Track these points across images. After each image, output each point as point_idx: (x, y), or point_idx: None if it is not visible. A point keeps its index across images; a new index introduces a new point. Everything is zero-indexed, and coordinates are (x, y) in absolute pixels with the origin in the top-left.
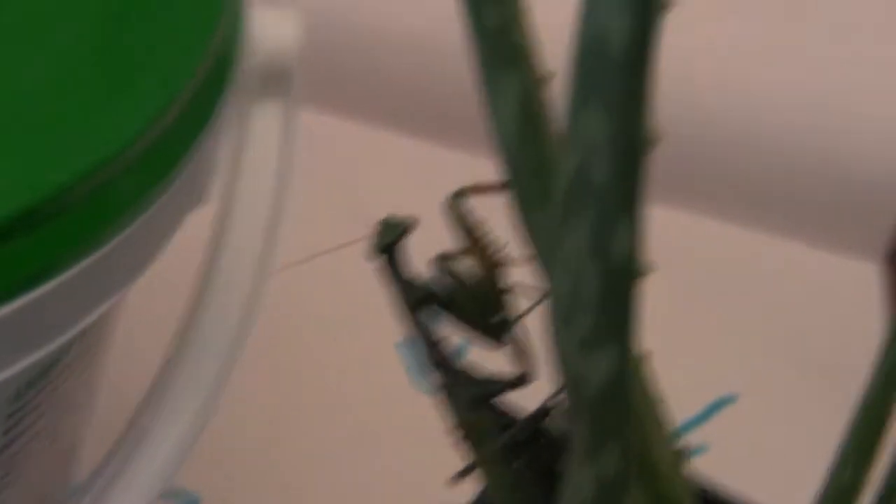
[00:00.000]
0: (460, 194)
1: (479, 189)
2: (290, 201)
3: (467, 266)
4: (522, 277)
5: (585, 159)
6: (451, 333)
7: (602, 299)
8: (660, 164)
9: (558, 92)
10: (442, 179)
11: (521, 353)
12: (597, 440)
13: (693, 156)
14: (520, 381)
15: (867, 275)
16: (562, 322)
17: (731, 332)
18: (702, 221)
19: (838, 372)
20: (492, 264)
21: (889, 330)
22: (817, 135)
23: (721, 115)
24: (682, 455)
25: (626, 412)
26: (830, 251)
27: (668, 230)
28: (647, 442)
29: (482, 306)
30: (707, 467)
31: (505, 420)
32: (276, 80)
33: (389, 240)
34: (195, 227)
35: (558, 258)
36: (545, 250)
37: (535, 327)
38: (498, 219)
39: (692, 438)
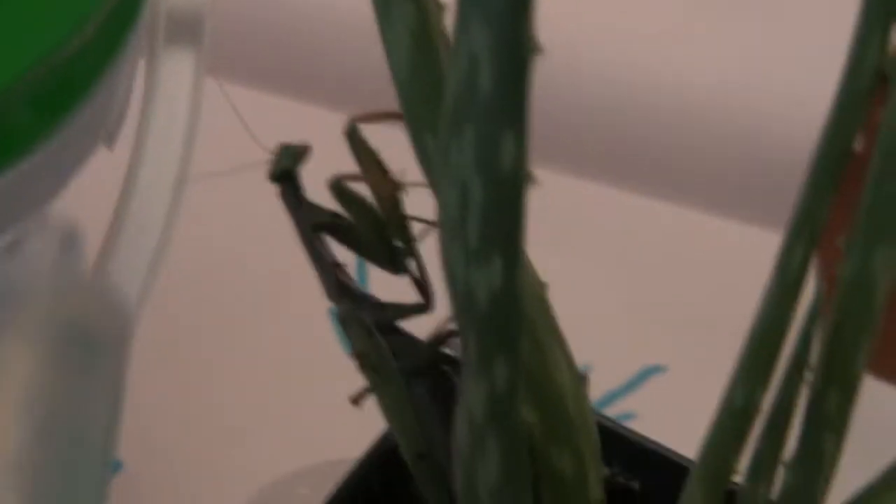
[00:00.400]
0: (357, 121)
1: (375, 116)
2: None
3: (365, 192)
4: (421, 205)
5: (470, 70)
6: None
7: (487, 210)
8: (584, 139)
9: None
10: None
11: (421, 280)
12: (486, 355)
13: (622, 132)
14: (420, 307)
15: None
16: (449, 236)
17: (659, 303)
18: (630, 196)
19: None
20: (389, 190)
21: (780, 252)
22: (734, 106)
23: (645, 88)
24: (582, 380)
25: (514, 325)
26: (756, 224)
27: (597, 203)
28: (545, 365)
29: (380, 232)
30: None
31: (405, 346)
32: (187, 28)
33: (287, 165)
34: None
35: (445, 171)
36: (438, 174)
37: (435, 256)
38: (398, 147)
39: (620, 407)
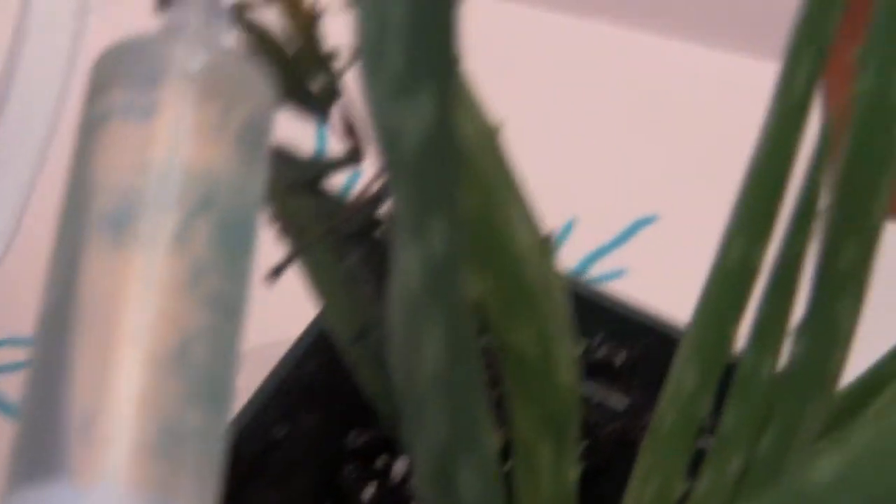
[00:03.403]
0: None
1: None
2: None
3: (276, 19)
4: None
5: None
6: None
7: (414, 26)
8: None
9: None
10: None
11: (349, 126)
12: (419, 210)
13: None
14: (349, 158)
15: None
16: (370, 62)
17: (650, 148)
18: (617, 30)
19: None
20: (306, 17)
21: (781, 69)
22: None
23: None
24: (546, 240)
25: (452, 172)
26: (752, 55)
27: (582, 40)
28: (499, 223)
29: (298, 68)
30: (626, 290)
31: (332, 209)
32: None
33: None
34: None
35: None
36: None
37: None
38: None
39: (610, 262)
